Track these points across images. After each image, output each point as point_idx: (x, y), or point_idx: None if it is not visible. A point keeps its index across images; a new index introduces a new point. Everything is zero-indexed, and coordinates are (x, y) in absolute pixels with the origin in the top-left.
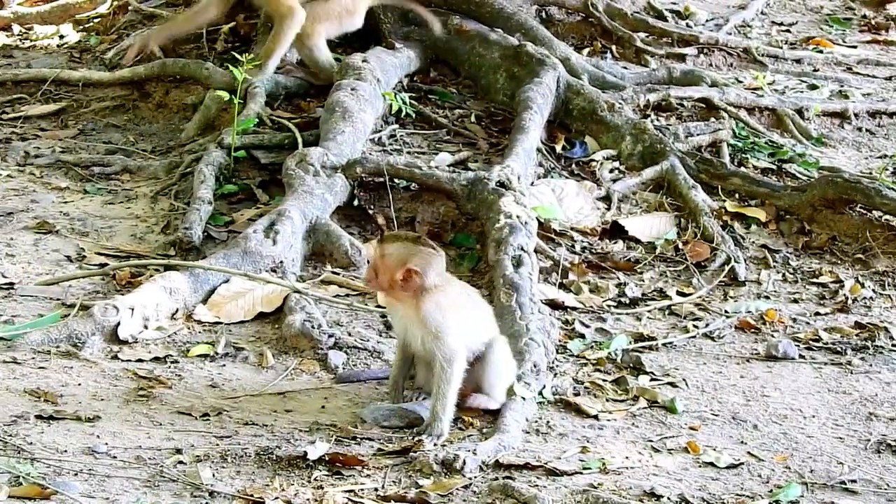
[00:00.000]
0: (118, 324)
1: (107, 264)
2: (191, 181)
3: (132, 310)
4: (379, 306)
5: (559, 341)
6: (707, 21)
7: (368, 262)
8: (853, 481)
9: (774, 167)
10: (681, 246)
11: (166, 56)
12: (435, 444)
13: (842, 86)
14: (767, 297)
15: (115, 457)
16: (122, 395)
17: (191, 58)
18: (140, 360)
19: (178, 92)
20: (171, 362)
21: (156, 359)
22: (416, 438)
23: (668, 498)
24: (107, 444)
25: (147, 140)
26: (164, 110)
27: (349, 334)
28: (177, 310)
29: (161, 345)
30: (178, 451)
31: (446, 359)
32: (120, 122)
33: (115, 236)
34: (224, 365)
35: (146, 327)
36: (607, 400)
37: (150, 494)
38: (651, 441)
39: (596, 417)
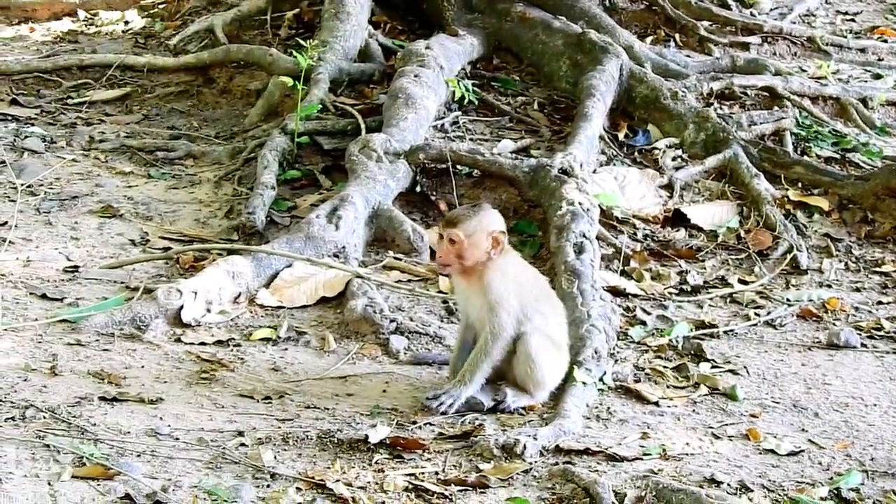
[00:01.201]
0: (181, 307)
1: (170, 248)
2: (254, 166)
3: (195, 293)
4: (441, 292)
5: (620, 328)
6: (771, 10)
7: (443, 247)
8: None
9: (837, 156)
10: (743, 234)
11: (230, 42)
12: (449, 407)
13: None
14: (829, 286)
15: (177, 438)
16: (184, 378)
17: (255, 44)
18: (203, 344)
19: (241, 78)
20: (234, 346)
21: (218, 342)
22: (433, 395)
23: (728, 484)
24: (169, 425)
25: (211, 125)
26: (228, 96)
27: (411, 319)
28: (239, 294)
29: (224, 328)
30: (240, 434)
31: (494, 333)
32: (184, 107)
33: (179, 220)
34: (286, 349)
35: (209, 311)
36: (668, 387)
37: (211, 476)
38: (711, 428)
39: (656, 404)
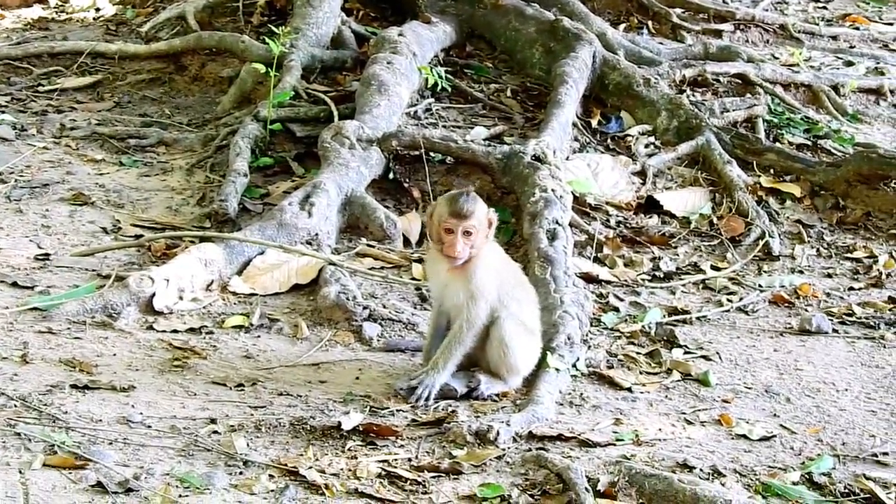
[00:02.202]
0: (153, 295)
1: (142, 236)
2: (226, 154)
3: (167, 281)
4: (414, 279)
5: (593, 314)
6: None
7: (457, 240)
8: (885, 453)
9: (810, 143)
10: (715, 221)
11: (202, 29)
12: (426, 400)
13: (878, 63)
14: (801, 272)
15: (149, 426)
16: (156, 366)
17: (227, 31)
18: (175, 331)
19: (214, 65)
20: (206, 333)
21: (191, 329)
22: (409, 385)
23: (701, 469)
24: (141, 413)
25: (183, 113)
26: (200, 83)
27: (384, 306)
28: (212, 281)
29: (196, 316)
30: (213, 421)
31: (470, 321)
32: (156, 94)
33: (151, 208)
34: (259, 336)
35: (181, 298)
36: (641, 372)
37: (184, 463)
38: (684, 413)
39: (629, 390)
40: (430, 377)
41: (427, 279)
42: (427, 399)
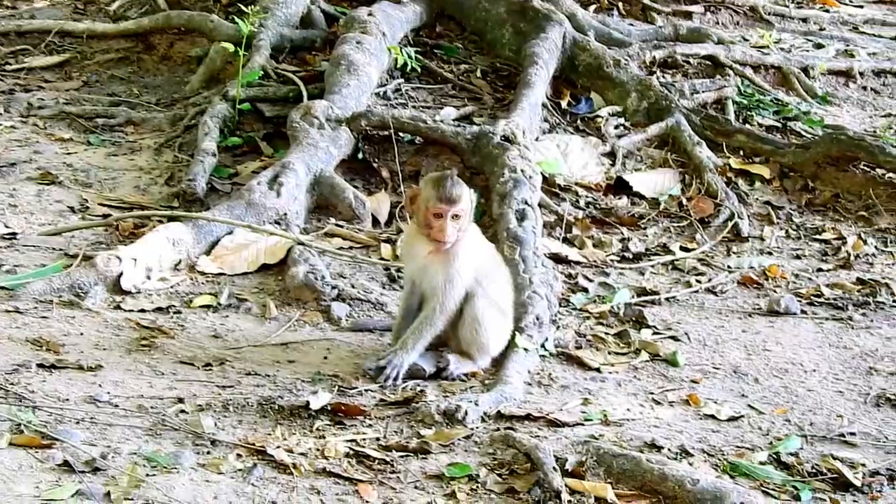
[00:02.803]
0: (121, 274)
1: (110, 215)
2: (195, 133)
3: (135, 260)
4: (383, 259)
5: (562, 295)
6: None
7: (447, 224)
8: (852, 434)
9: (779, 125)
10: (685, 202)
11: (171, 8)
12: (394, 380)
13: (847, 45)
14: (770, 253)
15: (116, 406)
16: (124, 345)
17: (196, 10)
18: (143, 311)
19: (182, 44)
20: (174, 313)
21: (158, 309)
22: (377, 365)
23: (669, 449)
24: (109, 392)
25: (151, 92)
26: (169, 62)
27: (352, 286)
28: (180, 261)
29: (164, 295)
30: (181, 401)
31: (444, 304)
32: (124, 73)
33: (119, 187)
34: (227, 316)
35: (149, 278)
36: (609, 353)
37: (151, 443)
38: (652, 394)
39: (598, 370)
40: (398, 357)
41: (402, 260)
42: (395, 379)
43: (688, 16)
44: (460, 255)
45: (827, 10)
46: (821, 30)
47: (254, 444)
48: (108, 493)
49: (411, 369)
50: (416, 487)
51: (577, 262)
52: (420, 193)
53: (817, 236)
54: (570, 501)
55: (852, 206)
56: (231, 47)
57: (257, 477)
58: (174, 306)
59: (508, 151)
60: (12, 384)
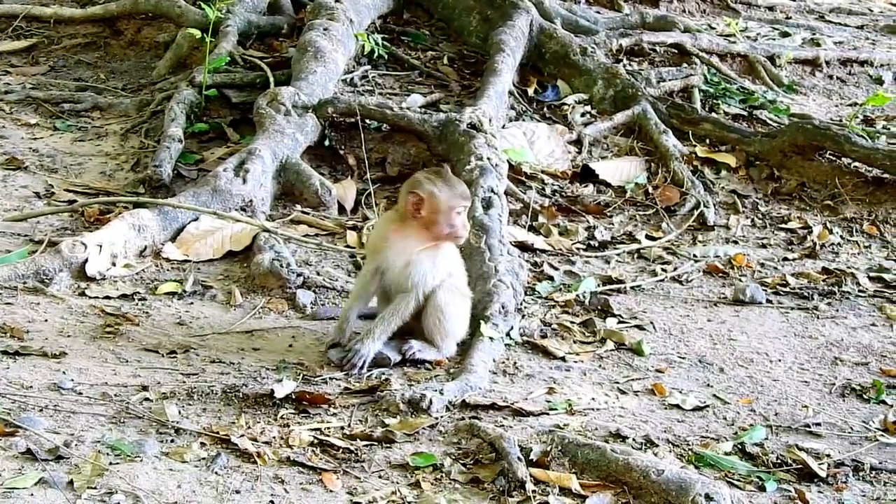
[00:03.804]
0: (86, 260)
1: (75, 201)
2: (161, 119)
3: (100, 247)
4: (349, 246)
5: (528, 283)
6: None
7: (465, 219)
8: (817, 424)
9: (745, 113)
10: (651, 190)
11: None
12: (360, 369)
13: (814, 34)
14: (736, 242)
15: (80, 393)
16: (88, 332)
17: None
18: (107, 297)
19: (149, 30)
20: (139, 300)
21: (123, 296)
22: (348, 348)
23: (634, 439)
24: (73, 380)
25: (118, 77)
26: (136, 48)
27: (318, 274)
28: (145, 247)
29: (129, 282)
30: (145, 388)
31: (416, 295)
32: (91, 59)
33: (85, 173)
34: (192, 303)
35: (114, 264)
36: (575, 342)
37: (115, 431)
38: (617, 383)
39: (563, 359)
40: (364, 346)
41: (370, 250)
42: (361, 368)
43: (654, 4)
44: (447, 250)
45: None
46: (787, 18)
47: (218, 433)
48: (71, 482)
49: (377, 358)
50: (380, 477)
51: (543, 251)
52: (432, 196)
53: (783, 225)
54: (534, 491)
55: (818, 195)
56: (198, 33)
57: (221, 465)
58: (139, 293)
59: (475, 139)
60: None
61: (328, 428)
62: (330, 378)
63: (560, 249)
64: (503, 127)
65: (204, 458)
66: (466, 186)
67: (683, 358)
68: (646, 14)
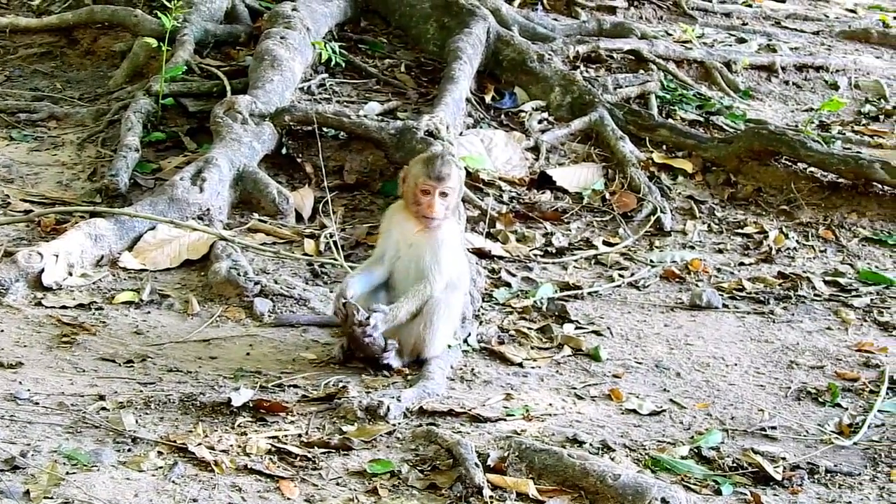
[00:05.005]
0: (42, 270)
1: (32, 211)
2: (118, 128)
3: (56, 256)
4: (306, 254)
5: (485, 290)
6: None
7: (435, 201)
8: (773, 428)
9: (702, 119)
10: (608, 196)
11: (95, 2)
12: (374, 328)
13: (770, 40)
14: (692, 248)
15: (37, 403)
16: (45, 342)
17: (120, 5)
18: (64, 307)
19: (106, 39)
20: (96, 309)
21: (80, 305)
22: (364, 317)
23: (591, 444)
24: (29, 390)
25: (74, 87)
26: (92, 57)
27: (275, 282)
28: (102, 257)
29: (85, 291)
30: (102, 398)
31: (432, 284)
32: (47, 68)
33: (41, 183)
34: (149, 312)
35: (70, 274)
36: (532, 348)
37: (72, 440)
38: (574, 388)
39: (520, 365)
40: (387, 316)
41: (380, 235)
42: (372, 335)
43: (612, 11)
44: (447, 243)
45: (749, 6)
46: (743, 25)
47: (175, 442)
48: (27, 492)
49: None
50: (337, 484)
51: (501, 257)
52: (408, 172)
53: (739, 230)
54: (491, 497)
55: (774, 200)
56: (154, 42)
57: (178, 474)
58: (96, 302)
59: (432, 146)
60: None
61: (285, 436)
62: (288, 386)
63: (517, 256)
64: (460, 134)
65: (161, 467)
66: (451, 172)
67: (640, 363)
68: (603, 21)
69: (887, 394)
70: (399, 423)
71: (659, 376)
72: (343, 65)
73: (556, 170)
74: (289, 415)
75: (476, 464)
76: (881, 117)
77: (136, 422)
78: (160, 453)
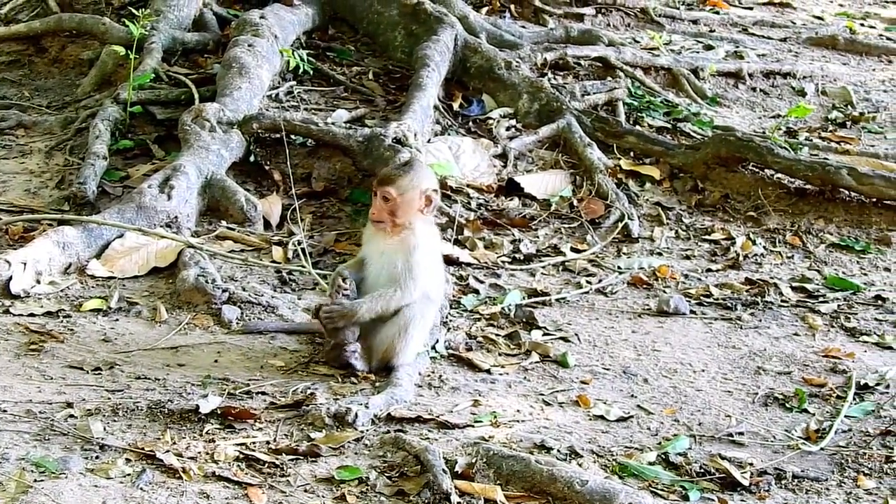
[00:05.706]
0: (10, 278)
1: None
2: (86, 136)
3: (24, 264)
4: (274, 262)
5: (453, 296)
6: None
7: (377, 203)
8: (740, 433)
9: (669, 126)
10: (576, 203)
11: (63, 11)
12: (340, 321)
13: (737, 46)
14: (660, 254)
15: (4, 411)
16: (12, 350)
17: (88, 13)
18: (32, 315)
19: (74, 47)
20: (64, 317)
21: (48, 313)
22: (333, 306)
23: (559, 450)
24: None
25: (42, 95)
26: (60, 65)
27: (243, 289)
28: (70, 264)
29: (53, 299)
30: (69, 405)
31: (403, 292)
32: (15, 77)
33: (9, 191)
34: (117, 319)
35: (38, 282)
36: (500, 354)
37: (40, 448)
38: (542, 395)
39: (488, 371)
40: (351, 309)
41: (362, 241)
42: (334, 325)
43: (579, 18)
44: (420, 249)
45: (717, 13)
46: (711, 31)
47: (143, 449)
48: None
49: (344, 336)
50: (305, 491)
51: (469, 264)
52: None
53: (706, 237)
54: (459, 503)
55: (741, 206)
56: (122, 50)
57: (146, 482)
58: (64, 310)
59: (400, 154)
60: None
61: (253, 443)
62: (256, 393)
63: (485, 263)
64: (428, 141)
65: (129, 475)
66: (398, 178)
67: (608, 369)
68: (570, 28)
69: (854, 399)
70: (367, 430)
71: (626, 382)
72: (311, 72)
73: (524, 177)
74: (257, 422)
75: (444, 470)
76: (848, 124)
77: (104, 429)
78: (128, 461)
